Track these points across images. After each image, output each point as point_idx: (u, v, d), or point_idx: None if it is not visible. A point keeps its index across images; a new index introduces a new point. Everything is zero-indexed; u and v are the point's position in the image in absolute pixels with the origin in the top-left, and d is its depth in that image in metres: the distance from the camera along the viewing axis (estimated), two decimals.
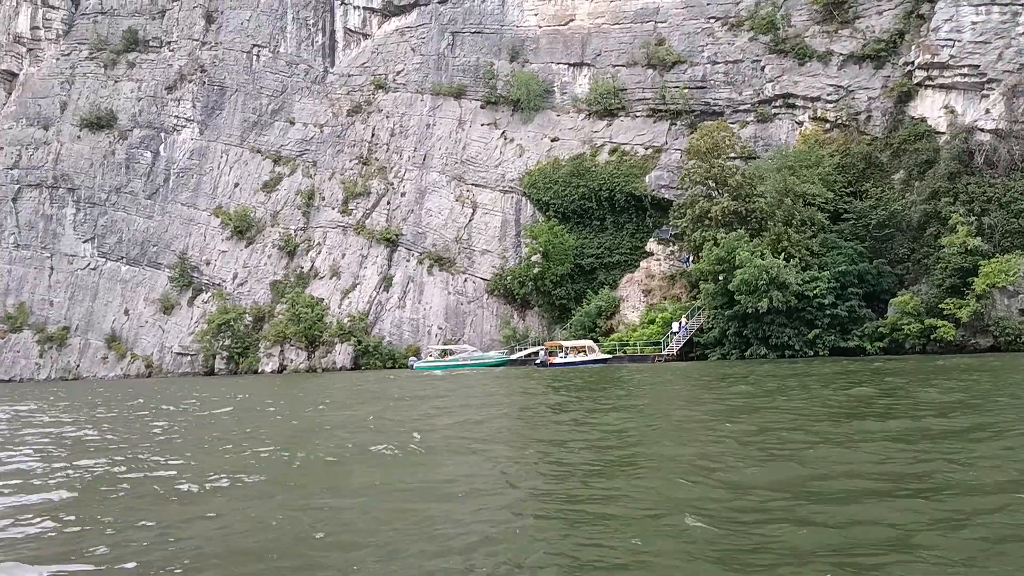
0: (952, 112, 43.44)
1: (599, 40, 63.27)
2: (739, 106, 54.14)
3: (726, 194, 46.63)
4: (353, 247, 68.01)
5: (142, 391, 40.68)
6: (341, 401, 26.29)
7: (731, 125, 51.74)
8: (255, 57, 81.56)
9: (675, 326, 46.78)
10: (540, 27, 66.30)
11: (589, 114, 61.62)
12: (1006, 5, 41.26)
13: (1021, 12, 40.61)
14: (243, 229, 74.46)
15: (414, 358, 58.01)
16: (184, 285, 75.63)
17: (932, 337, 39.66)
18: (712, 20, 57.54)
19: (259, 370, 63.96)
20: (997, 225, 39.07)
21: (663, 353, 45.61)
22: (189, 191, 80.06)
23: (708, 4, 58.06)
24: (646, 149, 57.37)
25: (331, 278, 67.20)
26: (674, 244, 53.19)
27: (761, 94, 52.97)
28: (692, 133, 54.64)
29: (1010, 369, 25.94)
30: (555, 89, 64.94)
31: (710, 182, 47.94)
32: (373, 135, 72.90)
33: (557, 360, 45.72)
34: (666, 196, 54.75)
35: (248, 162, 78.63)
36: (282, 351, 64.37)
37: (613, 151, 58.64)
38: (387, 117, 72.84)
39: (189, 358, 70.67)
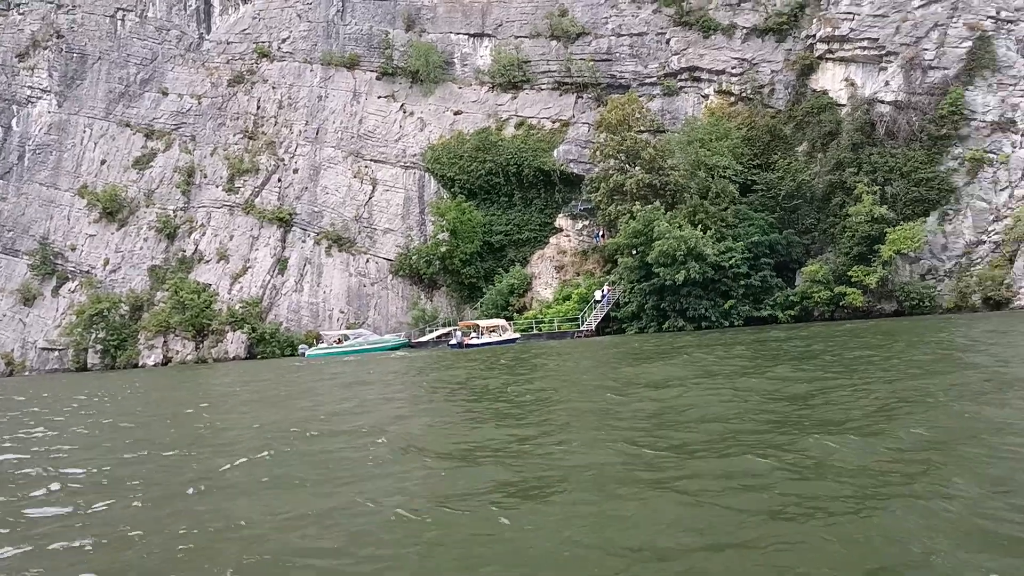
0: (852, 84, 44.55)
1: (500, 10, 61.27)
2: (645, 79, 53.72)
3: (639, 167, 46.06)
4: (242, 228, 63.19)
5: None
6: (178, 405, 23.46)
7: (639, 98, 51.22)
8: (119, 22, 74.23)
9: (598, 294, 46.19)
10: None
11: (493, 87, 59.66)
12: None
13: None
14: (113, 210, 67.78)
15: (304, 346, 54.49)
16: (47, 273, 68.16)
17: (840, 304, 40.71)
18: None
19: (140, 363, 58.45)
20: (899, 194, 40.34)
21: (582, 329, 44.70)
22: (48, 169, 72.12)
23: None
24: (553, 123, 56.10)
25: (219, 262, 62.19)
26: (586, 219, 52.36)
27: (667, 67, 52.72)
28: (599, 106, 53.95)
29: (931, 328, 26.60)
30: (455, 60, 62.50)
31: (622, 155, 47.25)
32: (259, 107, 67.95)
33: (473, 340, 43.87)
34: (575, 171, 53.76)
35: (116, 137, 71.63)
36: (166, 342, 59.09)
37: (519, 125, 57.01)
38: (273, 88, 68.04)
39: (57, 353, 63.77)
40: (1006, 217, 38.01)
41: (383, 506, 7.78)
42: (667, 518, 6.70)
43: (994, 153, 38.83)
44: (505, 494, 7.97)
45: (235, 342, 57.01)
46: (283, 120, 66.52)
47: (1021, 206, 37.54)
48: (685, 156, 45.08)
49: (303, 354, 52.18)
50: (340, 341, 52.63)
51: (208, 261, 62.53)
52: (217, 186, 65.24)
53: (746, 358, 21.92)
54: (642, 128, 49.15)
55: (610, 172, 47.31)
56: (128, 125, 71.15)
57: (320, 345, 53.40)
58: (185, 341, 57.68)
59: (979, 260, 38.44)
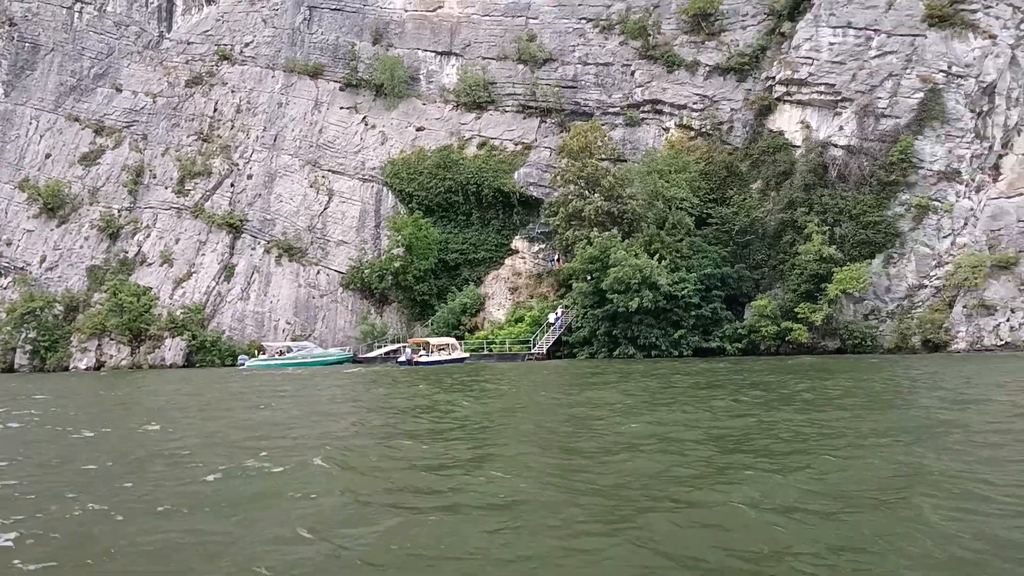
0: (808, 127, 45.62)
1: (469, 30, 61.41)
2: (608, 108, 54.24)
3: (598, 194, 46.33)
4: (189, 232, 61.44)
5: None
6: None
7: (601, 127, 51.64)
8: (76, 14, 72.25)
9: (552, 316, 46.17)
10: (406, 11, 63.40)
11: (457, 105, 59.53)
12: (861, 29, 43.91)
13: (874, 37, 43.34)
14: (55, 206, 65.34)
15: (244, 356, 52.78)
16: None
17: (786, 339, 41.31)
18: (583, 21, 57.41)
19: (71, 367, 55.95)
20: (847, 235, 41.29)
21: (533, 352, 44.43)
22: None
23: (580, 5, 57.84)
24: (515, 145, 56.18)
25: (162, 265, 60.23)
26: (544, 242, 52.38)
27: (630, 98, 53.36)
28: (562, 131, 54.27)
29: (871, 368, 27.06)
30: (421, 77, 62.30)
31: (582, 182, 47.49)
32: (216, 110, 66.59)
33: (423, 358, 43.15)
34: (534, 194, 53.82)
35: (63, 131, 69.32)
36: (100, 345, 56.72)
37: (482, 145, 56.92)
38: (232, 92, 66.82)
39: None
40: (947, 263, 39.20)
41: (342, 552, 6.87)
42: (637, 562, 6.23)
43: (939, 201, 40.13)
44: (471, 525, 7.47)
45: (173, 349, 55.08)
46: (240, 124, 65.25)
47: (962, 254, 38.77)
48: (644, 186, 45.48)
49: (242, 365, 50.68)
50: (282, 353, 51.37)
51: (151, 264, 60.52)
52: (166, 187, 63.44)
53: (702, 387, 21.88)
54: (603, 156, 49.48)
55: (570, 197, 47.48)
56: (77, 120, 68.96)
57: (261, 356, 51.96)
58: (120, 345, 55.49)
59: (920, 303, 39.52)
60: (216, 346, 55.35)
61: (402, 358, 44.32)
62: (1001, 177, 40.39)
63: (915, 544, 6.36)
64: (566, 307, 46.58)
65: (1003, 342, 36.34)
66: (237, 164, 63.63)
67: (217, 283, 59.07)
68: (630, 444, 11.76)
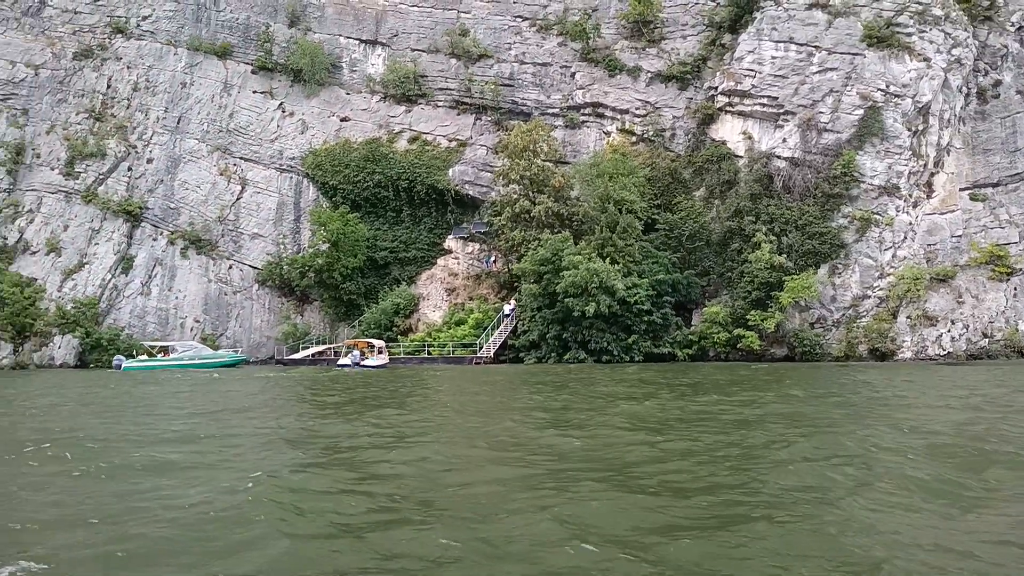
0: (750, 138, 46.34)
1: (396, 20, 58.72)
2: (547, 109, 53.17)
3: (547, 195, 45.15)
4: (80, 218, 54.93)
5: None
6: None
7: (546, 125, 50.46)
8: None
9: (506, 308, 44.70)
10: None
11: (385, 97, 56.67)
12: (802, 45, 45.10)
13: (815, 53, 44.61)
14: None
15: (121, 357, 46.97)
16: None
17: (737, 346, 41.61)
18: (518, 19, 56.14)
19: None
20: (794, 244, 42.08)
21: (480, 355, 42.48)
22: None
23: (514, 2, 56.51)
24: (449, 141, 54.02)
25: (48, 254, 53.42)
26: (481, 242, 50.56)
27: (571, 100, 52.55)
28: (499, 130, 52.82)
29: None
30: (344, 65, 58.97)
31: (526, 181, 46.11)
32: (109, 87, 60.20)
33: (368, 362, 40.15)
34: (471, 193, 51.98)
35: None
36: None
37: (413, 140, 54.36)
38: (128, 68, 60.68)
39: None
40: (890, 275, 40.75)
41: None
42: None
43: (880, 215, 41.65)
44: None
45: (64, 347, 48.90)
46: (138, 104, 59.31)
47: (903, 266, 40.42)
48: (593, 189, 44.66)
49: (118, 366, 44.87)
50: (167, 353, 46.71)
51: (36, 252, 53.54)
52: (53, 169, 56.49)
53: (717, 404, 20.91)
54: (546, 157, 48.25)
55: (514, 197, 45.98)
56: None
57: (141, 357, 46.80)
58: (1, 343, 48.60)
59: (864, 313, 40.84)
60: (114, 344, 49.46)
61: (345, 360, 41.00)
62: (934, 194, 42.63)
63: None
64: (517, 301, 45.03)
65: (945, 352, 38.09)
66: (135, 147, 57.71)
67: (113, 275, 53.09)
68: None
